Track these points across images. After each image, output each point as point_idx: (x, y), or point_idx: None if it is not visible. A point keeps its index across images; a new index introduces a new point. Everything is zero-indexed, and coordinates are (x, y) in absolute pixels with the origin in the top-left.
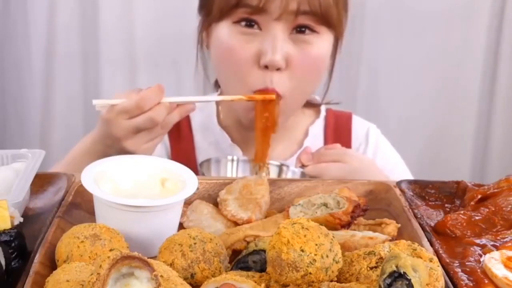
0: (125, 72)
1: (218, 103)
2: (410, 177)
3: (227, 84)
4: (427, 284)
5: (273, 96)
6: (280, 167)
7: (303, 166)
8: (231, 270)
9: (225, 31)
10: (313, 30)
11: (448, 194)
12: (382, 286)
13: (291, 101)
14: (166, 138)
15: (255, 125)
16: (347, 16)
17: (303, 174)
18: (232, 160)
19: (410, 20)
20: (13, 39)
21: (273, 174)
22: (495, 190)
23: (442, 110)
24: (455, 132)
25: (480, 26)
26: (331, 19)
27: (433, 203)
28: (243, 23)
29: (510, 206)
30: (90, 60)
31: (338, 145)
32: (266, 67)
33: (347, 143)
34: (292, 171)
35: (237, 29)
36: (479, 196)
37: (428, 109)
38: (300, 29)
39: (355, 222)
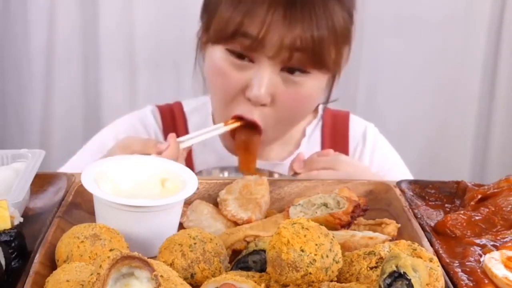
0: (125, 73)
1: (213, 104)
2: (409, 176)
3: (213, 100)
4: (427, 284)
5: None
6: (270, 174)
7: (295, 173)
8: (231, 270)
9: (218, 55)
10: (303, 71)
11: (448, 194)
12: (382, 286)
13: (273, 134)
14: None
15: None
16: (350, 49)
17: None
18: (223, 169)
19: (410, 22)
20: (13, 39)
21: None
22: (495, 190)
23: (442, 110)
24: (455, 132)
25: (480, 28)
26: (324, 61)
27: (433, 203)
28: (236, 55)
29: (510, 206)
30: (90, 60)
31: (331, 151)
32: (250, 99)
33: (344, 143)
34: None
35: (230, 57)
36: (479, 196)
37: (428, 109)
38: (290, 68)
39: (355, 222)
